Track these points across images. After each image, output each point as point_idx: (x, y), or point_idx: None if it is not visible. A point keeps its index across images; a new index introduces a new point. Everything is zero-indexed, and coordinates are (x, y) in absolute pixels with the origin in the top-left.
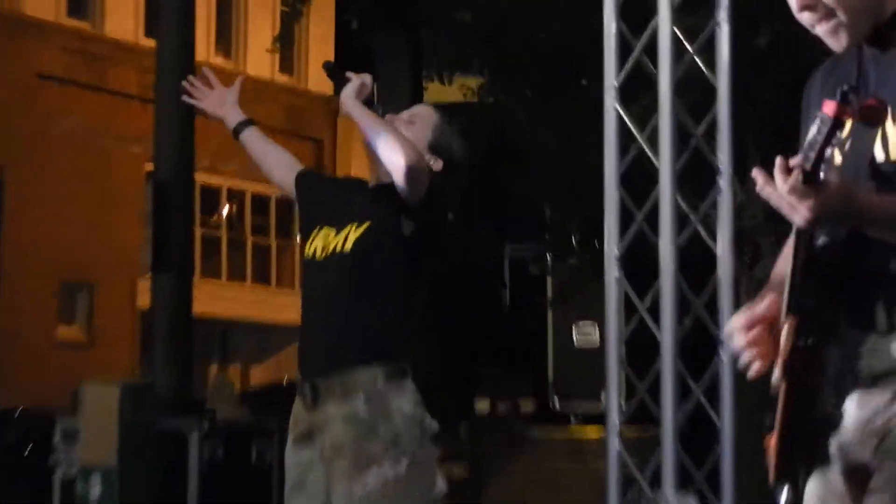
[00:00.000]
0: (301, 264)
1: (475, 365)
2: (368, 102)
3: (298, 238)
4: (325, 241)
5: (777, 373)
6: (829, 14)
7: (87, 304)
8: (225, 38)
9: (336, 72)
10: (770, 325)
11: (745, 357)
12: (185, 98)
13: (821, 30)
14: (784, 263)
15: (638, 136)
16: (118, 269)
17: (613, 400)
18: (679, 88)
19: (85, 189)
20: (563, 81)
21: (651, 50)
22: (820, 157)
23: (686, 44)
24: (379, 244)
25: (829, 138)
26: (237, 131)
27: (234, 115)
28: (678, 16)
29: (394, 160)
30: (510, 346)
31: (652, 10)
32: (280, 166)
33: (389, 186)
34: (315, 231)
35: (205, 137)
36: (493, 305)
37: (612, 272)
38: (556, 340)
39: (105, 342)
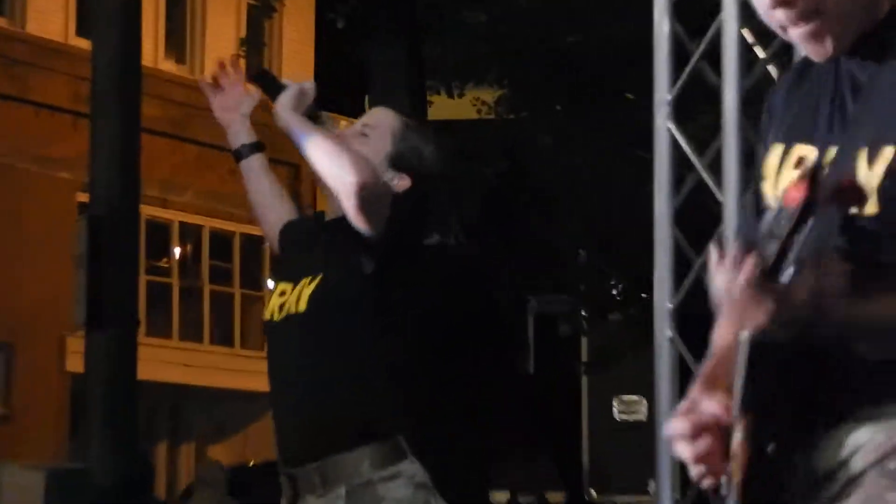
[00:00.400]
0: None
1: (490, 447)
2: (312, 116)
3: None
4: (281, 300)
5: (731, 493)
6: (810, 12)
7: (4, 367)
8: (177, 39)
9: (267, 78)
10: (720, 430)
11: (694, 472)
12: (203, 86)
13: (798, 33)
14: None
15: (696, 163)
16: (42, 324)
17: (665, 492)
18: (748, 103)
19: None
20: (602, 95)
21: (713, 56)
22: (783, 254)
23: (756, 48)
24: (338, 294)
25: (794, 231)
26: (240, 154)
27: (241, 131)
28: (747, 14)
29: (341, 179)
30: (534, 422)
31: (714, 7)
32: (272, 215)
33: (344, 220)
34: (275, 288)
35: (152, 161)
36: (512, 372)
37: (664, 331)
38: (593, 416)
39: (26, 415)
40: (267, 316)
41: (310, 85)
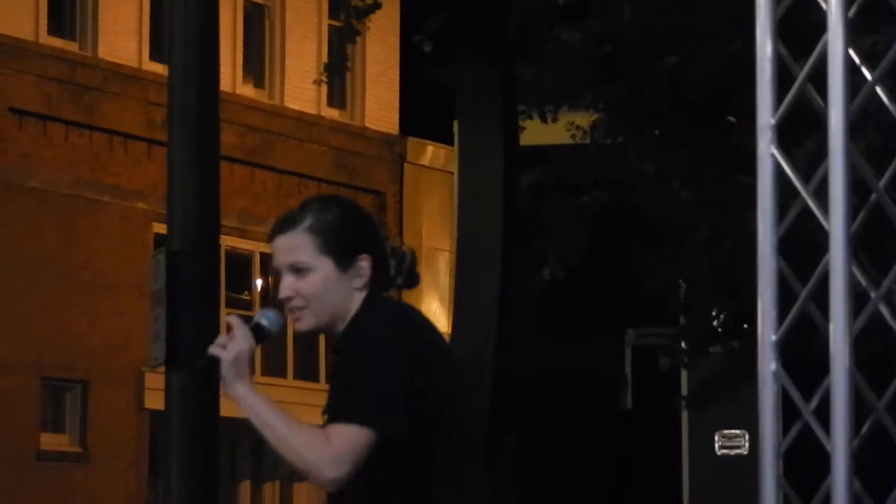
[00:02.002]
0: None
1: (586, 486)
2: (258, 335)
3: None
4: None
5: None
6: None
7: (79, 406)
8: (255, 63)
9: (206, 363)
10: None
11: None
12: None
13: None
14: None
15: (801, 190)
16: (119, 361)
17: None
18: (855, 128)
19: (72, 257)
20: (703, 119)
21: (818, 78)
22: None
23: (864, 69)
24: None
25: None
26: None
27: None
28: (854, 32)
29: (312, 476)
30: (633, 458)
31: (819, 27)
32: None
33: (341, 355)
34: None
35: (230, 190)
36: (609, 408)
37: (768, 365)
38: (693, 452)
39: (103, 455)
40: None
41: (237, 329)
